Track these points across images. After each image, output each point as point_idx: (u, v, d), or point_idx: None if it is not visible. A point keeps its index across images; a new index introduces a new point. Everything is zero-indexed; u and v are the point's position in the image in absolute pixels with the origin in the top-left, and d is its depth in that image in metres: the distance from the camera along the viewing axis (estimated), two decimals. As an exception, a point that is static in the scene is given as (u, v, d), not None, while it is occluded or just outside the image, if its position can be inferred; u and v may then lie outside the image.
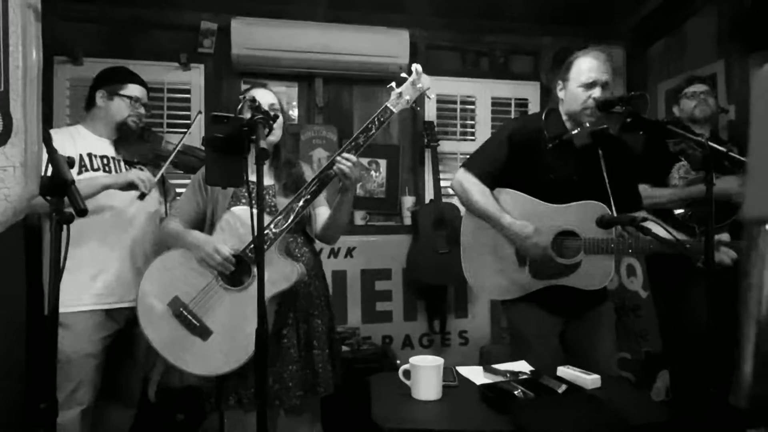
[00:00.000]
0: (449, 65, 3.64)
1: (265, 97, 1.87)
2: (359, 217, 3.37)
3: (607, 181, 1.87)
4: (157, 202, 2.14)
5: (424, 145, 3.42)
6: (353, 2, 3.27)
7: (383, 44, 3.22)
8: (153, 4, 3.12)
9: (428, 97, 1.83)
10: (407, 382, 1.48)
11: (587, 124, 1.84)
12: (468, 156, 2.03)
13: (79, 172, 1.91)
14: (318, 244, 2.03)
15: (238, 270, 1.72)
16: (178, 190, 2.32)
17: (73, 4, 3.02)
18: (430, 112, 3.54)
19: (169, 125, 3.17)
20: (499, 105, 3.65)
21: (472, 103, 3.63)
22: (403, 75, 1.80)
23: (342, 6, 3.26)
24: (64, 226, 1.07)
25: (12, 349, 2.21)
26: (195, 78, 3.25)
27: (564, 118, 1.93)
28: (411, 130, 3.56)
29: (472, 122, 3.64)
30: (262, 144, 1.33)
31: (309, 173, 1.97)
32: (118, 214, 1.97)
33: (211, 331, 1.71)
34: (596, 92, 1.81)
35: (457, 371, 1.64)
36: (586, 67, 1.84)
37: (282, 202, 1.81)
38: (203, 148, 1.85)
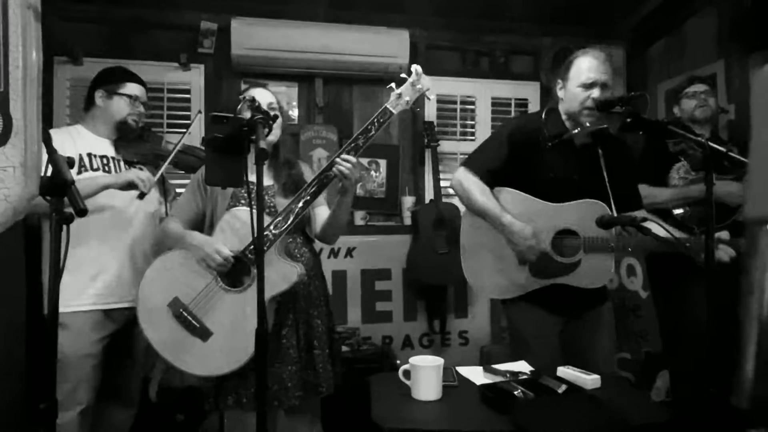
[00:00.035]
0: (449, 65, 3.64)
1: (263, 96, 1.87)
2: (359, 217, 3.36)
3: (606, 180, 1.87)
4: (156, 201, 2.14)
5: (424, 145, 3.42)
6: (353, 2, 3.27)
7: (383, 44, 3.22)
8: (153, 4, 3.12)
9: (428, 98, 1.83)
10: (407, 382, 1.48)
11: (587, 124, 1.84)
12: (469, 155, 2.03)
13: (79, 172, 1.90)
14: (318, 245, 2.03)
15: (238, 271, 1.72)
16: (178, 190, 2.31)
17: (73, 4, 3.02)
18: (430, 112, 3.54)
19: (169, 125, 3.17)
20: (499, 105, 3.65)
21: (472, 103, 3.63)
22: (403, 76, 1.80)
23: (342, 6, 3.26)
24: (64, 226, 1.07)
25: (12, 349, 2.21)
26: (195, 78, 3.25)
27: (563, 117, 1.93)
28: (411, 130, 3.56)
29: (472, 122, 3.63)
30: (262, 144, 1.33)
31: (308, 173, 1.97)
32: (118, 214, 1.97)
33: (211, 332, 1.71)
34: (595, 92, 1.81)
35: (457, 371, 1.64)
36: (586, 67, 1.84)
37: (281, 202, 1.81)
38: (203, 147, 1.85)
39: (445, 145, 3.49)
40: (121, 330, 1.99)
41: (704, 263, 1.38)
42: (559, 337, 1.93)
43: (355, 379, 2.23)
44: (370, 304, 3.24)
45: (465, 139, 3.61)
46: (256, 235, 1.30)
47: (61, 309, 1.11)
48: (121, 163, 2.05)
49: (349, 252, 3.23)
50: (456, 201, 2.41)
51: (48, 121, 2.89)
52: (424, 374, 1.45)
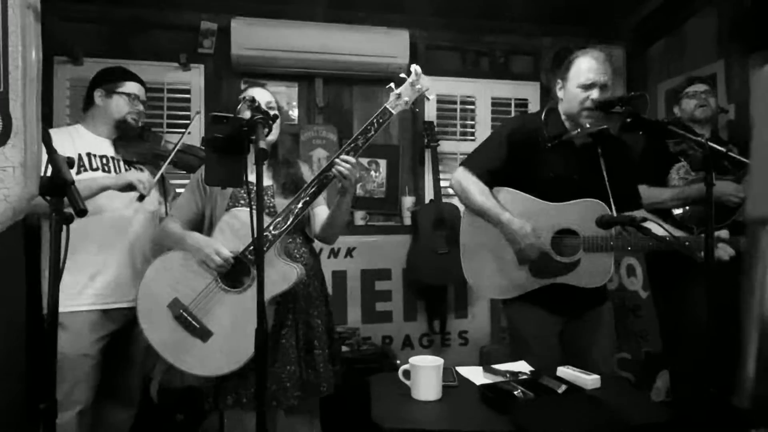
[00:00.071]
0: (449, 65, 3.64)
1: (262, 96, 1.87)
2: (359, 217, 3.36)
3: (606, 180, 1.87)
4: (156, 202, 2.13)
5: (424, 145, 3.42)
6: (353, 2, 3.27)
7: (383, 44, 3.22)
8: (153, 5, 3.12)
9: (427, 98, 1.83)
10: (407, 383, 1.48)
11: (587, 125, 1.84)
12: (468, 155, 2.03)
13: (78, 172, 1.90)
14: (317, 244, 2.03)
15: (238, 271, 1.72)
16: (178, 190, 2.31)
17: (73, 4, 3.02)
18: (430, 112, 3.54)
19: (169, 125, 3.17)
20: (499, 105, 3.65)
21: (472, 103, 3.63)
22: (402, 76, 1.79)
23: (342, 6, 3.26)
24: (64, 227, 1.07)
25: (12, 349, 2.21)
26: (195, 78, 3.25)
27: (563, 117, 1.93)
28: (411, 130, 3.56)
29: (472, 122, 3.64)
30: (262, 144, 1.33)
31: (307, 173, 1.97)
32: (118, 214, 1.97)
33: (211, 333, 1.71)
34: (595, 93, 1.81)
35: (456, 371, 1.64)
36: (585, 68, 1.84)
37: (280, 202, 1.81)
38: (203, 147, 1.85)
39: (445, 145, 3.49)
40: (120, 330, 1.99)
41: (704, 262, 1.38)
42: (559, 337, 1.93)
43: (355, 379, 2.23)
44: (370, 304, 3.24)
45: (465, 139, 3.61)
46: (255, 235, 1.30)
47: (60, 309, 1.10)
48: (121, 163, 2.05)
49: (349, 252, 3.23)
50: (456, 201, 2.41)
51: (48, 121, 2.89)
52: (424, 374, 1.44)
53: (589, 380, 1.53)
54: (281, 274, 1.68)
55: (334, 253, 3.18)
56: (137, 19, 3.15)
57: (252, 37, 3.08)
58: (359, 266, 3.23)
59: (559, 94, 1.93)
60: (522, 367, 1.71)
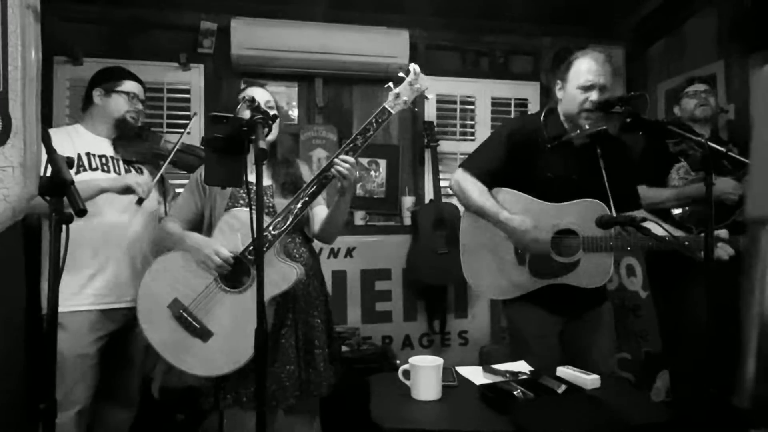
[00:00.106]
0: (449, 65, 3.64)
1: (260, 96, 1.87)
2: (359, 217, 3.36)
3: (605, 180, 1.87)
4: (156, 202, 2.13)
5: (424, 145, 3.41)
6: (353, 2, 3.27)
7: (383, 44, 3.21)
8: (153, 5, 3.12)
9: (426, 97, 1.83)
10: (407, 382, 1.48)
11: (586, 126, 1.84)
12: (467, 156, 2.03)
13: (78, 172, 1.90)
14: (317, 244, 2.03)
15: (238, 272, 1.72)
16: (177, 190, 2.31)
17: (73, 5, 3.02)
18: (430, 112, 3.54)
19: (169, 125, 3.17)
20: (499, 105, 3.65)
21: (472, 103, 3.63)
22: (401, 75, 1.78)
23: (342, 6, 3.26)
24: (64, 227, 1.06)
25: (11, 349, 2.21)
26: (195, 78, 3.25)
27: (562, 118, 1.93)
28: (411, 130, 3.56)
29: (472, 122, 3.63)
30: (262, 144, 1.33)
31: (307, 173, 1.97)
32: (117, 214, 1.97)
33: (211, 333, 1.71)
34: (594, 95, 1.81)
35: (456, 371, 1.64)
36: (585, 69, 1.83)
37: (280, 202, 1.81)
38: (202, 147, 1.85)
39: (445, 145, 3.49)
40: (120, 330, 1.99)
41: (704, 262, 1.38)
42: (560, 337, 1.93)
43: (354, 379, 2.22)
44: (370, 304, 3.23)
45: (465, 139, 3.61)
46: (255, 235, 1.30)
47: (59, 309, 1.10)
48: (120, 163, 2.04)
49: (349, 252, 3.23)
50: (456, 201, 2.41)
51: (48, 121, 2.88)
52: (424, 374, 1.44)
53: (589, 380, 1.53)
54: (281, 274, 1.68)
55: (333, 253, 3.18)
56: (137, 19, 3.14)
57: (252, 37, 3.07)
58: (359, 266, 3.23)
59: (559, 95, 1.93)
60: (522, 367, 1.71)
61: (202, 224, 1.88)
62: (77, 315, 1.87)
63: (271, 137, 1.82)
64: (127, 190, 1.85)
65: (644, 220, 1.51)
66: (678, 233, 1.80)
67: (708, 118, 2.53)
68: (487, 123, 3.62)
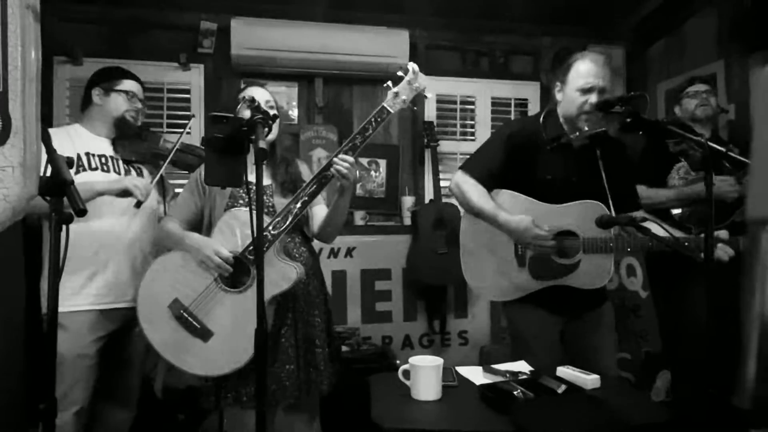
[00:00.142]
0: (449, 65, 3.64)
1: (261, 95, 1.87)
2: (359, 217, 3.36)
3: (605, 181, 1.87)
4: (155, 201, 2.13)
5: (424, 145, 3.42)
6: (353, 2, 3.27)
7: (383, 44, 3.21)
8: (153, 4, 3.12)
9: (425, 96, 1.82)
10: (407, 382, 1.48)
11: (585, 128, 1.84)
12: (467, 157, 2.03)
13: (77, 172, 1.89)
14: (317, 244, 2.03)
15: (238, 271, 1.72)
16: (177, 190, 2.31)
17: (73, 5, 3.02)
18: (430, 112, 3.54)
19: (169, 125, 3.17)
20: (499, 105, 3.65)
21: (472, 103, 3.63)
22: (400, 74, 1.78)
23: (342, 6, 3.26)
24: (64, 227, 1.06)
25: (11, 348, 2.21)
26: (195, 78, 3.25)
27: (561, 120, 1.93)
28: (411, 130, 3.56)
29: (472, 122, 3.63)
30: (262, 144, 1.33)
31: (306, 173, 1.97)
32: (117, 214, 1.96)
33: (212, 333, 1.71)
34: (593, 98, 1.81)
35: (456, 371, 1.64)
36: (585, 71, 1.83)
37: (279, 201, 1.81)
38: (202, 147, 1.85)
39: (445, 145, 3.49)
40: (119, 330, 1.98)
41: (703, 263, 1.38)
42: (561, 338, 1.93)
43: (354, 379, 2.22)
44: (369, 304, 3.23)
45: (465, 139, 3.61)
46: (255, 235, 1.30)
47: (59, 309, 1.10)
48: (120, 163, 2.04)
49: (349, 252, 3.23)
50: (456, 201, 2.41)
51: (48, 121, 2.88)
52: (424, 374, 1.44)
53: (589, 380, 1.53)
54: (281, 273, 1.68)
55: (333, 253, 3.18)
56: (137, 19, 3.14)
57: (252, 37, 3.07)
58: (359, 266, 3.23)
59: (558, 97, 1.94)
60: (522, 367, 1.71)
61: (201, 224, 1.88)
62: (77, 315, 1.87)
63: (271, 137, 1.82)
64: (124, 193, 1.85)
65: (644, 220, 1.51)
66: (678, 233, 1.80)
67: (708, 118, 2.53)
68: (487, 123, 3.62)
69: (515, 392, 1.40)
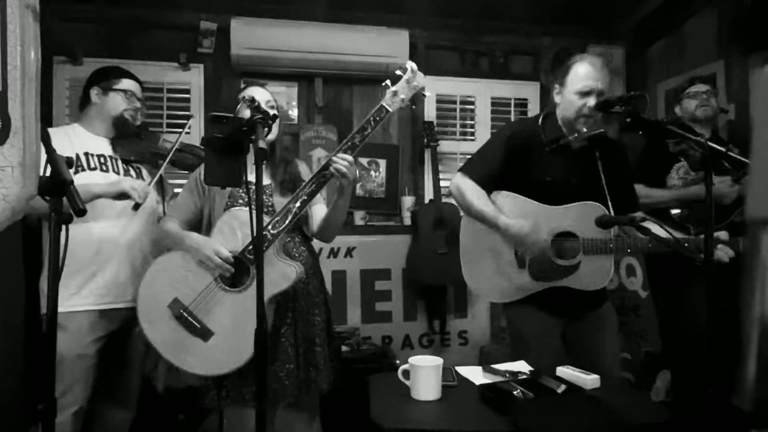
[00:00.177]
0: (449, 65, 3.63)
1: (261, 95, 1.87)
2: (359, 217, 3.36)
3: (604, 183, 1.87)
4: (154, 201, 2.13)
5: (424, 145, 3.41)
6: (353, 2, 3.27)
7: (383, 44, 3.21)
8: (152, 4, 3.12)
9: (424, 94, 1.82)
10: (406, 382, 1.48)
11: (584, 130, 1.85)
12: (467, 157, 2.04)
13: (76, 172, 1.88)
14: (317, 243, 2.03)
15: (238, 271, 1.72)
16: (176, 190, 2.31)
17: (73, 4, 3.02)
18: (430, 112, 3.54)
19: (169, 125, 3.17)
20: (498, 105, 3.65)
21: (472, 103, 3.63)
22: (398, 73, 1.77)
23: (342, 6, 3.26)
24: (63, 227, 1.06)
25: (10, 348, 2.20)
26: (194, 78, 3.25)
27: (559, 123, 1.93)
28: (411, 130, 3.56)
29: (472, 122, 3.63)
30: (262, 144, 1.33)
31: (306, 172, 1.97)
32: (116, 214, 1.96)
33: (212, 332, 1.71)
34: (591, 101, 1.81)
35: (456, 371, 1.64)
36: (583, 74, 1.83)
37: (279, 201, 1.81)
38: (202, 147, 1.85)
39: (445, 145, 3.49)
40: (118, 331, 1.98)
41: (703, 263, 1.38)
42: (562, 339, 1.93)
43: (354, 379, 2.22)
44: (369, 304, 3.24)
45: (465, 139, 3.61)
46: (255, 235, 1.30)
47: (58, 309, 1.10)
48: (119, 162, 2.04)
49: (349, 252, 3.23)
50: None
51: (47, 121, 2.88)
52: (424, 374, 1.44)
53: (589, 380, 1.53)
54: (280, 273, 1.68)
55: (333, 253, 3.18)
56: (137, 19, 3.14)
57: (252, 37, 3.07)
58: (359, 266, 3.23)
59: (556, 99, 1.94)
60: (522, 367, 1.70)
61: (201, 224, 1.88)
62: (76, 315, 1.87)
63: (271, 137, 1.82)
64: (121, 196, 1.84)
65: (644, 219, 1.51)
66: (677, 234, 1.80)
67: (708, 118, 2.53)
68: (487, 123, 3.62)
69: (515, 392, 1.40)
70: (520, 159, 1.89)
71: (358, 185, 3.38)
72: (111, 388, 2.03)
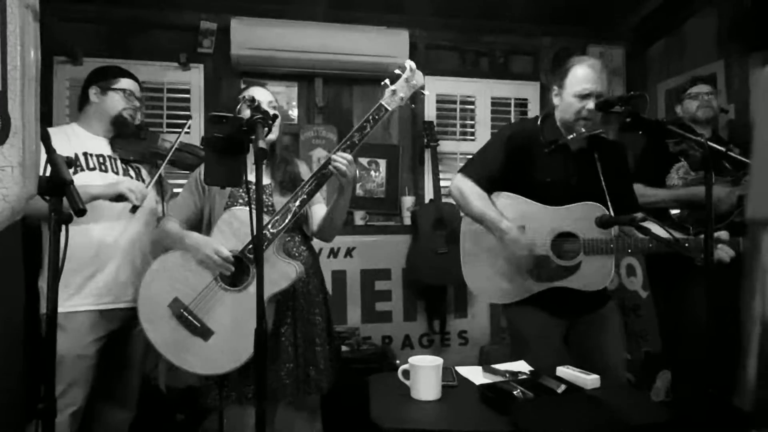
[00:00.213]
0: (449, 65, 3.64)
1: (262, 95, 1.87)
2: (359, 217, 3.36)
3: (603, 183, 1.87)
4: (154, 201, 2.12)
5: (424, 144, 3.42)
6: (353, 2, 3.27)
7: (383, 44, 3.21)
8: (152, 4, 3.12)
9: (423, 93, 1.82)
10: (406, 382, 1.48)
11: (583, 130, 1.85)
12: (467, 158, 2.04)
13: (75, 172, 1.87)
14: (317, 243, 2.03)
15: (238, 270, 1.72)
16: (176, 190, 2.31)
17: (73, 4, 3.02)
18: (430, 112, 3.54)
19: (169, 125, 3.17)
20: (498, 105, 3.65)
21: (472, 103, 3.63)
22: (397, 72, 1.77)
23: (342, 6, 3.26)
24: (63, 227, 1.06)
25: (10, 348, 2.20)
26: (194, 78, 3.25)
27: (558, 124, 1.93)
28: (411, 130, 3.56)
29: (472, 122, 3.63)
30: (262, 144, 1.33)
31: (306, 171, 1.97)
32: (116, 214, 1.96)
33: (212, 332, 1.71)
34: (590, 104, 1.81)
35: (456, 371, 1.64)
36: (582, 77, 1.83)
37: (278, 200, 1.81)
38: (201, 147, 1.85)
39: (445, 145, 3.49)
40: (119, 330, 1.98)
41: (703, 263, 1.38)
42: (565, 340, 1.93)
43: (354, 379, 2.22)
44: (369, 304, 3.24)
45: (465, 139, 3.61)
46: (255, 234, 1.30)
47: (58, 309, 1.10)
48: (118, 162, 2.03)
49: (349, 252, 3.23)
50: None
51: (47, 121, 2.88)
52: (424, 374, 1.44)
53: (589, 380, 1.53)
54: (280, 272, 1.69)
55: (333, 253, 3.18)
56: (137, 19, 3.14)
57: (252, 36, 3.07)
58: (359, 266, 3.23)
59: (555, 101, 1.94)
60: (522, 367, 1.70)
61: (201, 223, 1.88)
62: (76, 315, 1.86)
63: (271, 137, 1.82)
64: (119, 198, 1.84)
65: (644, 219, 1.51)
66: (677, 234, 1.80)
67: (709, 119, 2.52)
68: (487, 123, 3.62)
69: (515, 392, 1.40)
70: (521, 160, 1.89)
71: (358, 185, 3.38)
72: (111, 388, 2.03)
